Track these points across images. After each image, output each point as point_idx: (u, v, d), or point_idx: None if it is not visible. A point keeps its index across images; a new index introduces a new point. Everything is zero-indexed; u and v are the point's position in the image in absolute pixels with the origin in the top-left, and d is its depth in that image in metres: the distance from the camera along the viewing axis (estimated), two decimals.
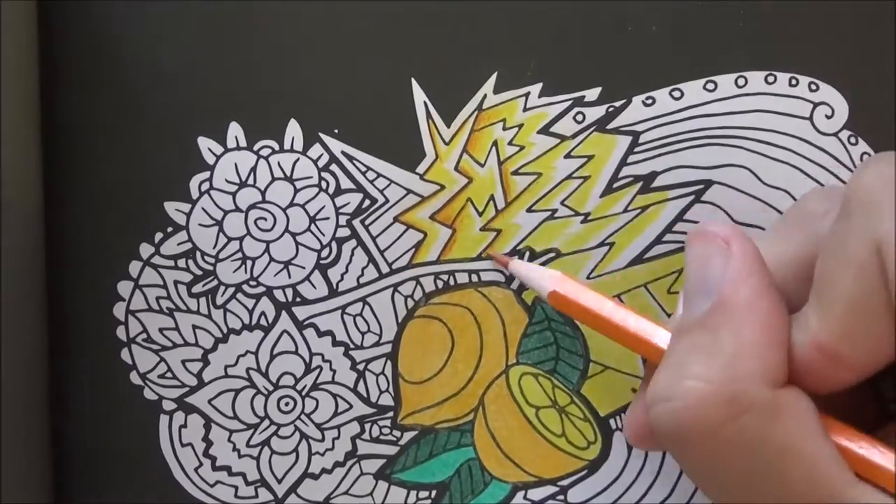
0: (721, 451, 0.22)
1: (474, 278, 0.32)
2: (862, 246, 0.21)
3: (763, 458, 0.22)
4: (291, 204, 0.32)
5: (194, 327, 0.32)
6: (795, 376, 0.23)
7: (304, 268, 0.32)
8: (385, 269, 0.32)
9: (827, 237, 0.23)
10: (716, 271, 0.24)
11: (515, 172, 0.32)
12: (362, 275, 0.32)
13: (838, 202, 0.23)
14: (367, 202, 0.32)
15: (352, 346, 0.33)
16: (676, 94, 0.32)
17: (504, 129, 0.32)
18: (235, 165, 0.32)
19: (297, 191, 0.32)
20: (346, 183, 0.32)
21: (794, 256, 0.25)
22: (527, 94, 0.32)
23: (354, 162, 0.32)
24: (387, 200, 0.32)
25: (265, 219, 0.32)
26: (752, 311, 0.23)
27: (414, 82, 0.32)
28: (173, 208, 0.32)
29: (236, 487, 0.33)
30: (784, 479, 0.22)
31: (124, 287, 0.32)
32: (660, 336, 0.26)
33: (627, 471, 0.33)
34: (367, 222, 0.32)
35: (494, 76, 0.32)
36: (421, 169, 0.32)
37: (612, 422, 0.33)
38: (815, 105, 0.32)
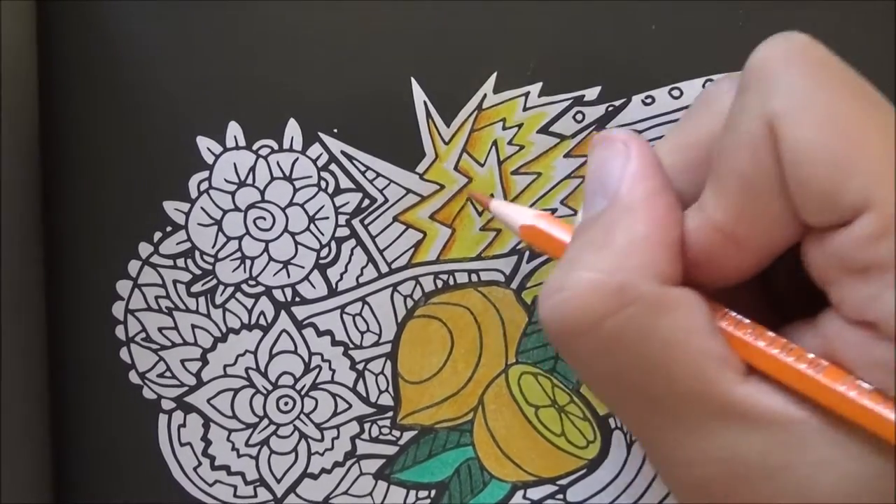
0: (606, 345, 0.22)
1: (474, 278, 0.32)
2: (755, 122, 0.21)
3: (648, 353, 0.22)
4: (291, 203, 0.32)
5: (193, 327, 0.32)
6: (695, 265, 0.23)
7: (303, 267, 0.32)
8: (384, 269, 0.32)
9: (726, 118, 0.23)
10: (615, 172, 0.24)
11: (515, 172, 0.32)
12: (362, 274, 0.32)
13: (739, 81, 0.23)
14: (366, 202, 0.32)
15: (351, 345, 0.33)
16: (676, 93, 0.32)
17: (504, 128, 0.32)
18: (234, 165, 0.32)
19: (296, 190, 0.32)
20: (345, 182, 0.32)
21: (696, 144, 0.24)
22: (526, 94, 0.32)
23: (354, 161, 0.32)
24: (386, 200, 0.32)
25: (264, 218, 0.32)
26: (646, 209, 0.23)
27: (414, 82, 0.32)
28: (172, 208, 0.32)
29: (235, 487, 0.33)
30: (670, 376, 0.22)
31: (123, 286, 0.32)
32: None
33: (626, 470, 0.33)
34: (366, 222, 0.32)
35: (494, 76, 0.32)
36: (420, 168, 0.32)
37: (611, 421, 0.33)
38: None
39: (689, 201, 0.24)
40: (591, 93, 0.32)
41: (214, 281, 0.32)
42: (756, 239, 0.22)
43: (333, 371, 0.33)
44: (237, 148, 0.32)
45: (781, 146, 0.21)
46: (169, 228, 0.32)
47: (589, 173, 0.25)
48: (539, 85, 0.32)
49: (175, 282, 0.32)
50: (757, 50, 0.22)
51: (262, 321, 0.32)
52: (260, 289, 0.32)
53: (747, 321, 0.23)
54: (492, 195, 0.32)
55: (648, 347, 0.22)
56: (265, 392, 0.33)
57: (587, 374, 0.24)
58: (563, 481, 0.33)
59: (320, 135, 0.32)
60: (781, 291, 0.25)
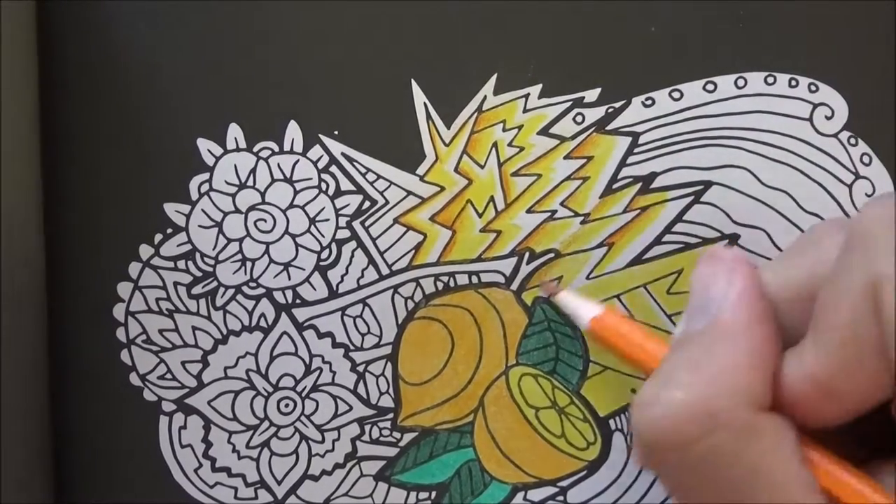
0: (693, 466, 0.22)
1: (474, 280, 0.32)
2: (858, 282, 0.22)
3: (733, 478, 0.22)
4: (291, 205, 0.32)
5: (194, 329, 0.32)
6: (788, 407, 0.23)
7: (303, 269, 0.32)
8: (385, 271, 0.32)
9: (830, 271, 0.23)
10: (718, 293, 0.24)
11: (515, 174, 0.32)
12: (362, 276, 0.32)
13: (845, 234, 0.23)
14: (366, 204, 0.32)
15: (352, 347, 0.33)
16: (676, 94, 0.32)
17: (504, 130, 0.32)
18: (235, 167, 0.32)
19: (296, 192, 0.32)
20: (345, 184, 0.32)
21: (799, 283, 0.25)
22: (526, 96, 0.32)
23: (354, 163, 0.32)
24: (387, 202, 0.32)
25: (265, 220, 0.32)
26: (745, 335, 0.23)
27: (414, 83, 0.32)
28: (173, 209, 0.32)
29: (236, 489, 0.33)
30: (756, 501, 0.22)
31: (124, 288, 0.32)
32: None
33: (627, 471, 0.33)
34: (367, 224, 0.32)
35: (494, 77, 0.32)
36: (421, 170, 0.32)
37: (611, 422, 0.33)
38: (815, 106, 0.32)
39: (788, 334, 0.24)
40: (591, 94, 0.32)
41: (215, 283, 0.32)
42: (852, 394, 0.22)
43: (334, 373, 0.33)
44: (238, 150, 0.32)
45: (883, 309, 0.21)
46: (169, 230, 0.32)
47: (693, 289, 0.25)
48: (539, 86, 0.32)
49: (176, 284, 0.32)
50: (863, 210, 0.23)
51: (262, 323, 0.32)
52: (260, 291, 0.32)
53: (832, 454, 0.23)
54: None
55: (736, 471, 0.22)
56: (266, 394, 0.33)
57: (673, 486, 0.24)
58: (564, 483, 0.33)
59: (321, 137, 0.32)
60: (868, 430, 0.25)
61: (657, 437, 0.23)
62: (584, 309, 0.28)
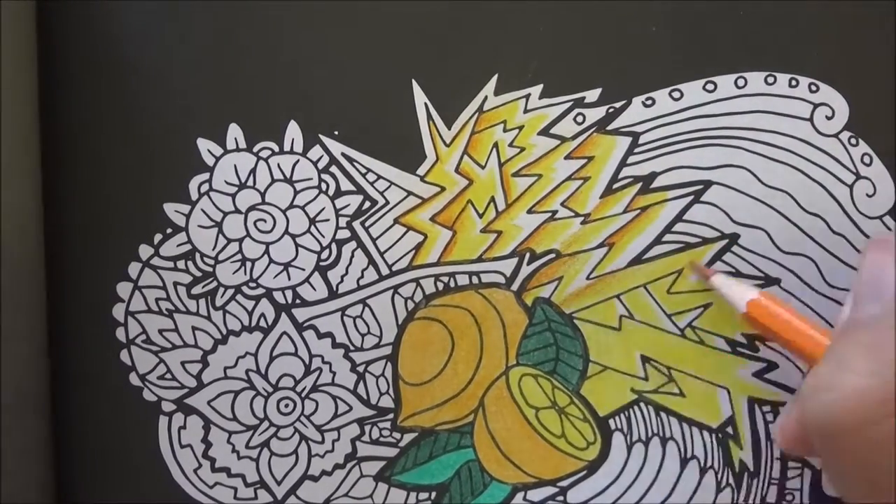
0: (866, 446, 0.23)
1: (474, 280, 0.32)
2: None
3: None
4: (291, 205, 0.32)
5: (194, 329, 0.32)
6: None
7: (303, 269, 0.32)
8: (385, 271, 0.32)
9: None
10: (889, 279, 0.24)
11: (516, 174, 0.32)
12: (362, 277, 0.32)
13: None
14: (367, 204, 0.32)
15: (352, 347, 0.32)
16: (676, 94, 0.32)
17: (505, 130, 0.32)
18: (235, 167, 0.32)
19: (296, 192, 0.32)
20: (346, 185, 0.32)
21: None
22: (527, 96, 0.32)
23: (354, 164, 0.32)
24: (387, 202, 0.32)
25: (265, 220, 0.32)
26: None
27: (415, 84, 0.32)
28: (173, 210, 0.32)
29: (235, 489, 0.33)
30: None
31: (124, 288, 0.32)
32: None
33: (627, 471, 0.33)
34: (367, 224, 0.32)
35: (495, 78, 0.32)
36: (421, 171, 0.32)
37: (611, 422, 0.33)
38: (816, 106, 0.32)
39: None
40: (592, 94, 0.32)
41: (215, 283, 0.32)
42: None
43: (334, 373, 0.33)
44: (238, 150, 0.32)
45: None
46: (169, 230, 0.32)
47: (862, 275, 0.25)
48: (540, 87, 0.32)
49: (175, 284, 0.32)
50: None
51: (262, 323, 0.32)
52: (260, 291, 0.32)
53: None
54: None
55: None
56: (266, 394, 0.33)
57: (838, 473, 0.24)
58: (564, 483, 0.33)
59: (321, 137, 0.32)
60: None
61: (832, 421, 0.23)
62: (739, 292, 0.28)
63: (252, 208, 0.32)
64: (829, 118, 0.32)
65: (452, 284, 0.32)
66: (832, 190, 0.32)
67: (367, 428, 0.33)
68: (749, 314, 0.29)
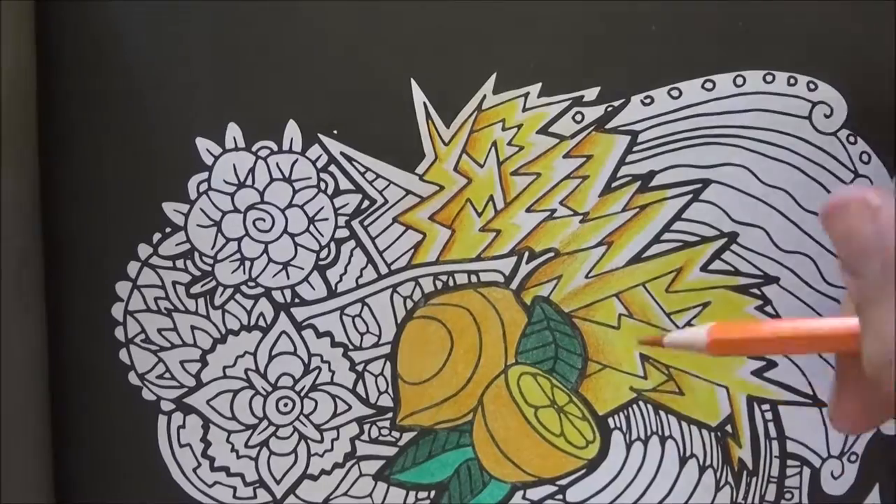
0: None
1: (473, 279, 0.32)
2: None
3: None
4: (290, 205, 0.32)
5: (193, 328, 0.32)
6: None
7: (302, 269, 0.32)
8: (384, 270, 0.32)
9: None
10: (867, 232, 0.23)
11: (514, 173, 0.32)
12: (361, 276, 0.32)
13: None
14: (366, 203, 0.32)
15: (351, 346, 0.32)
16: (675, 93, 0.32)
17: (503, 129, 0.32)
18: (234, 166, 0.32)
19: (295, 191, 0.32)
20: (344, 184, 0.32)
21: None
22: (526, 95, 0.32)
23: (353, 162, 0.32)
24: (386, 201, 0.32)
25: (264, 219, 0.32)
26: None
27: (413, 83, 0.32)
28: (171, 209, 0.32)
29: (235, 488, 0.33)
30: None
31: (122, 287, 0.32)
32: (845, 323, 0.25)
33: (626, 470, 0.33)
34: (366, 223, 0.32)
35: (494, 76, 0.32)
36: (420, 169, 0.32)
37: (610, 421, 0.33)
38: (814, 104, 0.32)
39: None
40: (591, 93, 0.32)
41: (214, 282, 0.32)
42: None
43: (333, 372, 0.33)
44: (236, 149, 0.32)
45: None
46: (168, 230, 0.32)
47: (841, 245, 0.24)
48: (538, 85, 0.32)
49: (174, 283, 0.32)
50: None
51: (261, 322, 0.32)
52: (259, 290, 0.32)
53: None
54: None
55: None
56: (265, 393, 0.33)
57: None
58: (563, 481, 0.33)
59: (320, 136, 0.32)
60: None
61: None
62: (693, 331, 0.27)
63: (251, 207, 0.32)
64: (827, 116, 0.32)
65: (451, 283, 0.32)
66: (831, 188, 0.32)
67: (366, 427, 0.33)
68: (713, 340, 0.27)
